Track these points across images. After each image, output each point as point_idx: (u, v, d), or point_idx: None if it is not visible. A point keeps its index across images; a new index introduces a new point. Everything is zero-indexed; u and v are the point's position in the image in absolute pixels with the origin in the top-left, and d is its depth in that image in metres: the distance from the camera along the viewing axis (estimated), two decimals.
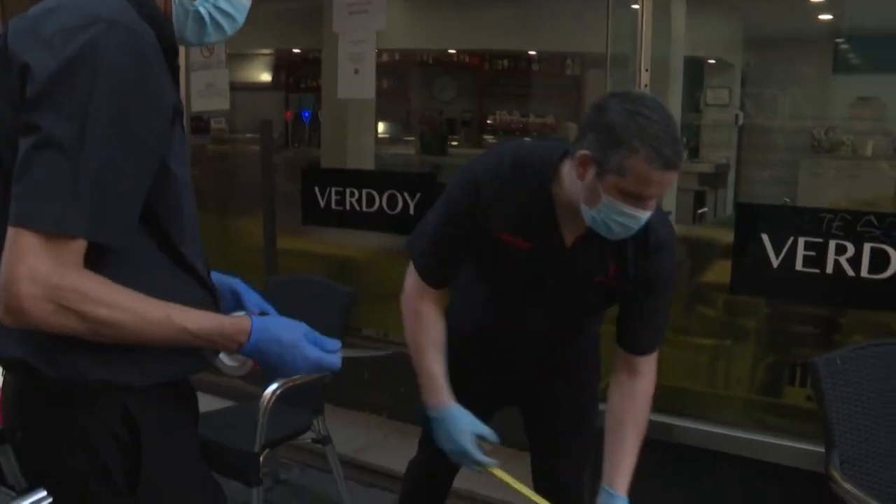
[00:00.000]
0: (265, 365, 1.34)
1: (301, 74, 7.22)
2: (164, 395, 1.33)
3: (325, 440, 2.96)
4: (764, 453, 2.66)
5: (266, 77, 7.52)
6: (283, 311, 1.47)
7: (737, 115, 5.84)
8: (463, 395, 1.88)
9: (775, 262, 2.56)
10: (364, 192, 3.53)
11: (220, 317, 1.31)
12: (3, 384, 1.35)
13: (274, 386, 2.64)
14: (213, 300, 1.40)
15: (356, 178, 3.65)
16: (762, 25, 5.46)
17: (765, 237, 2.56)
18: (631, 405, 1.88)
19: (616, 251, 1.78)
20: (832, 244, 2.49)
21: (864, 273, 2.47)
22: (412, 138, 7.35)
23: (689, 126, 5.72)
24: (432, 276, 1.90)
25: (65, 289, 1.12)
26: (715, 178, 5.50)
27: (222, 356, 1.39)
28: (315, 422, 2.89)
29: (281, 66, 7.45)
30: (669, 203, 3.39)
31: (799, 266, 2.53)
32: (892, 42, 4.90)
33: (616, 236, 1.67)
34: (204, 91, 3.95)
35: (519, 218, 1.78)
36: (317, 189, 3.67)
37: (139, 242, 1.24)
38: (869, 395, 2.28)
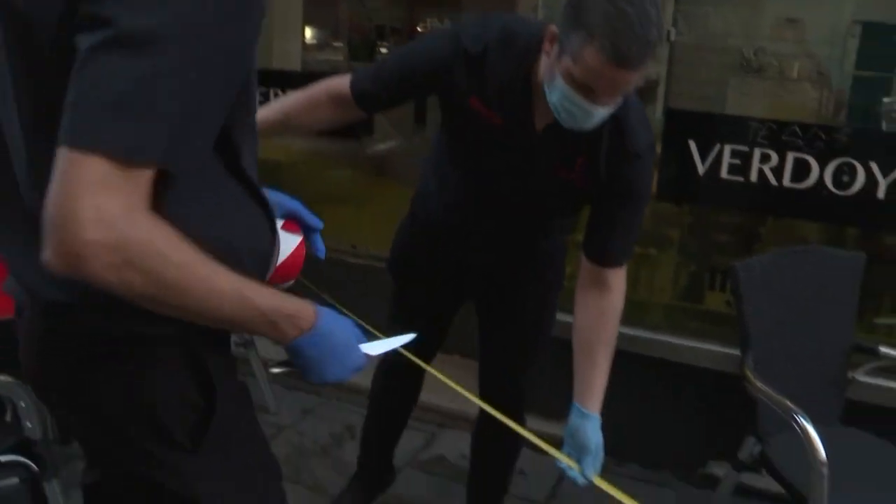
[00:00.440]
0: (306, 361, 1.15)
1: None
2: (223, 346, 1.20)
3: (247, 344, 2.93)
4: (685, 357, 2.73)
5: None
6: None
7: (669, 31, 5.82)
8: (425, 288, 1.83)
9: (701, 169, 2.58)
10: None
11: (286, 296, 1.11)
12: (29, 334, 1.15)
13: None
14: (273, 236, 1.21)
15: (281, 79, 3.52)
16: None
17: (692, 144, 2.57)
18: (601, 323, 1.81)
19: (587, 148, 1.70)
20: (757, 153, 2.52)
21: (786, 182, 2.51)
22: (340, 45, 7.15)
23: None
24: (362, 94, 1.83)
25: (134, 239, 0.89)
26: (644, 93, 5.50)
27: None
28: None
29: None
30: None
31: (724, 174, 2.56)
32: None
33: (565, 124, 1.60)
34: None
35: (493, 89, 1.70)
36: None
37: (208, 166, 1.04)
38: (784, 299, 2.35)
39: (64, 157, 0.86)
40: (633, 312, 2.82)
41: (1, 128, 1.06)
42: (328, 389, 3.05)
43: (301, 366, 1.15)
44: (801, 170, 2.49)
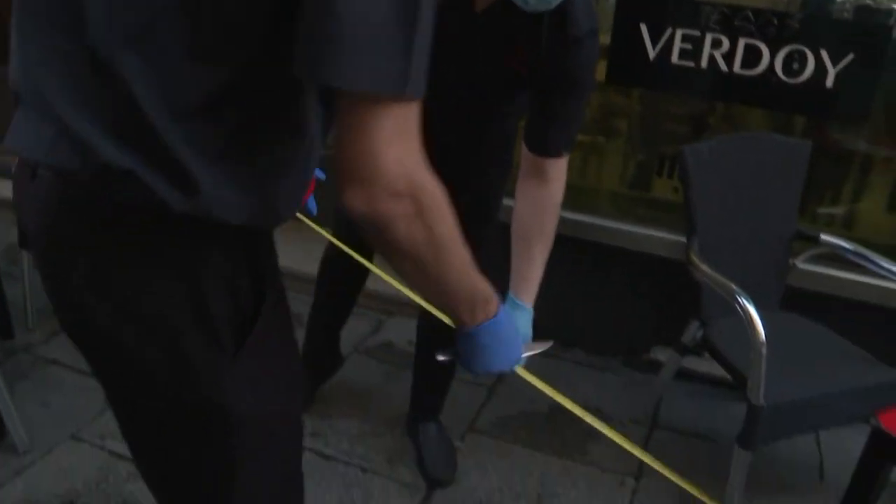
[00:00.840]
0: (476, 348, 1.14)
1: None
2: (272, 250, 1.10)
3: None
4: (633, 244, 2.75)
5: None
6: None
7: None
8: None
9: (652, 54, 2.53)
10: None
11: (484, 279, 1.08)
12: (60, 201, 0.98)
13: None
14: None
15: None
16: None
17: (643, 27, 2.52)
18: (539, 214, 1.77)
19: (528, 34, 1.63)
20: (708, 38, 2.48)
21: (736, 69, 2.48)
22: None
23: None
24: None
25: (428, 190, 0.87)
26: None
27: None
28: None
29: None
30: None
31: (675, 59, 2.52)
32: None
33: (531, 6, 1.53)
34: None
35: None
36: None
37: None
38: (730, 185, 2.36)
39: (358, 103, 0.82)
40: (581, 199, 2.83)
41: None
42: None
43: (469, 353, 1.14)
44: (751, 56, 2.46)
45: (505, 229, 1.83)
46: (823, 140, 2.71)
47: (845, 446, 2.09)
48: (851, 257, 2.38)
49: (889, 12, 2.43)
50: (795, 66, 2.44)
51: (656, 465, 1.39)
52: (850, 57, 2.37)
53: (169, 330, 0.98)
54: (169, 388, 1.02)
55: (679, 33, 2.50)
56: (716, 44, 2.48)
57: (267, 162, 0.97)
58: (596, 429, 1.39)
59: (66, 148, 0.92)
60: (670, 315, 2.60)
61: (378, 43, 0.80)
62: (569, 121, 1.75)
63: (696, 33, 2.49)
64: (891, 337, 2.26)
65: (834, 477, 2.42)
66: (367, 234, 0.91)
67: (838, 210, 2.87)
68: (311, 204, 1.33)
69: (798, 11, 2.52)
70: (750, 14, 2.45)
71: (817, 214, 2.84)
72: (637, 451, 1.42)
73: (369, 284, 2.40)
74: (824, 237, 2.46)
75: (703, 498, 1.59)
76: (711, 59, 2.49)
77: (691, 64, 2.51)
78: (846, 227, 2.83)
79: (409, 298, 1.41)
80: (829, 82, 2.42)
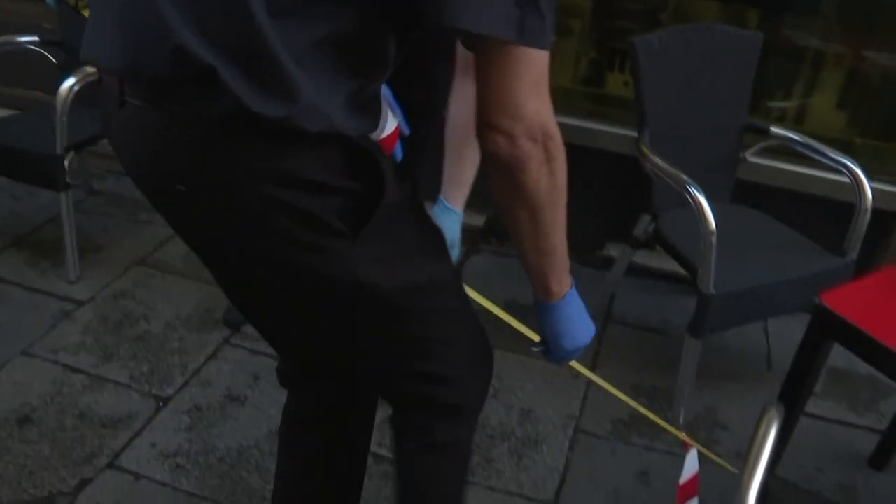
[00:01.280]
0: (564, 322, 1.18)
1: None
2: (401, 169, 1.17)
3: None
4: (585, 139, 2.72)
5: None
6: None
7: None
8: None
9: None
10: None
11: None
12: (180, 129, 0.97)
13: (70, 81, 2.43)
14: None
15: None
16: None
17: None
18: (472, 115, 1.73)
19: None
20: None
21: None
22: None
23: None
24: None
25: (557, 141, 0.97)
26: None
27: None
28: None
29: None
30: None
31: None
32: None
33: None
34: None
35: None
36: None
37: None
38: (681, 77, 2.34)
39: (505, 54, 0.91)
40: None
41: None
42: None
43: (557, 332, 1.19)
44: None
45: None
46: (777, 37, 2.69)
47: (793, 336, 2.14)
48: (800, 149, 2.39)
49: None
50: None
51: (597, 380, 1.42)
52: None
53: (297, 218, 1.00)
54: (294, 273, 1.07)
55: None
56: None
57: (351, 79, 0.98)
58: None
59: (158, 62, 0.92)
60: (623, 212, 2.60)
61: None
62: None
63: None
64: (837, 227, 2.30)
65: (781, 365, 2.48)
66: (496, 179, 1.01)
67: (790, 104, 2.88)
68: (398, 151, 1.28)
69: None
70: None
71: (769, 109, 2.84)
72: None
73: None
74: (774, 129, 2.46)
75: (649, 415, 1.63)
76: None
77: None
78: (797, 123, 2.84)
79: None
80: None
